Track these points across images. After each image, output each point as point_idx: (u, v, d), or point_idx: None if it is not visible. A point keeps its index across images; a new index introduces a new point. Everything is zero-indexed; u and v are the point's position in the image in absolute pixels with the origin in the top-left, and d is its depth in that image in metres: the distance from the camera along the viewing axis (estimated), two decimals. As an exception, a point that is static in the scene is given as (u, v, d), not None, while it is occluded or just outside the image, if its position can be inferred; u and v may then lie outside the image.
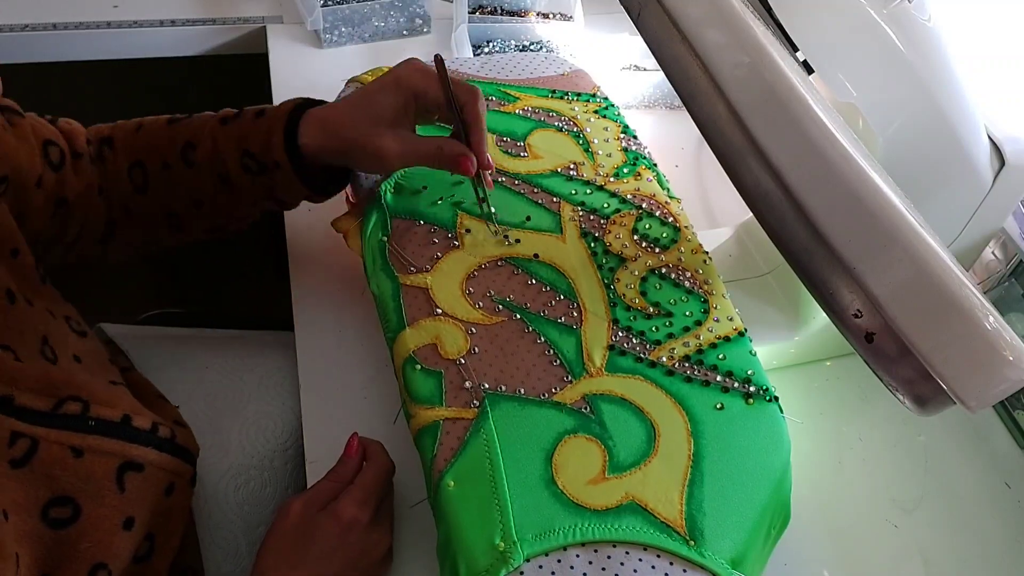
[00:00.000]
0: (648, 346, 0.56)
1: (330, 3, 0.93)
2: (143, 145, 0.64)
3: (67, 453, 0.49)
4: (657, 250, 0.62)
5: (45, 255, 0.62)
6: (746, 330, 0.58)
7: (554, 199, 0.65)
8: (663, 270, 0.61)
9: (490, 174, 0.61)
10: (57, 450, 0.49)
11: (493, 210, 0.61)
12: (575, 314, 0.58)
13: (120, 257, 0.69)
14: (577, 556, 0.47)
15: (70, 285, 0.63)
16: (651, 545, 0.47)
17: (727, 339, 0.57)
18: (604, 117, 0.73)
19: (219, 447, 0.72)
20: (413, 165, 0.61)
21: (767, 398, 0.54)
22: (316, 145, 0.60)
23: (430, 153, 0.59)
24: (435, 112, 0.62)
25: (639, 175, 0.68)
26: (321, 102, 0.63)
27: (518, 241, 0.61)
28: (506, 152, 0.68)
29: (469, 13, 0.94)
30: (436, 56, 0.59)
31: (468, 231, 0.62)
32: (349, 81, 0.73)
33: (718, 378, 0.55)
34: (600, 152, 0.69)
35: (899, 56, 0.53)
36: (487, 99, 0.72)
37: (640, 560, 0.47)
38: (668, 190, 0.68)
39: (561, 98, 0.74)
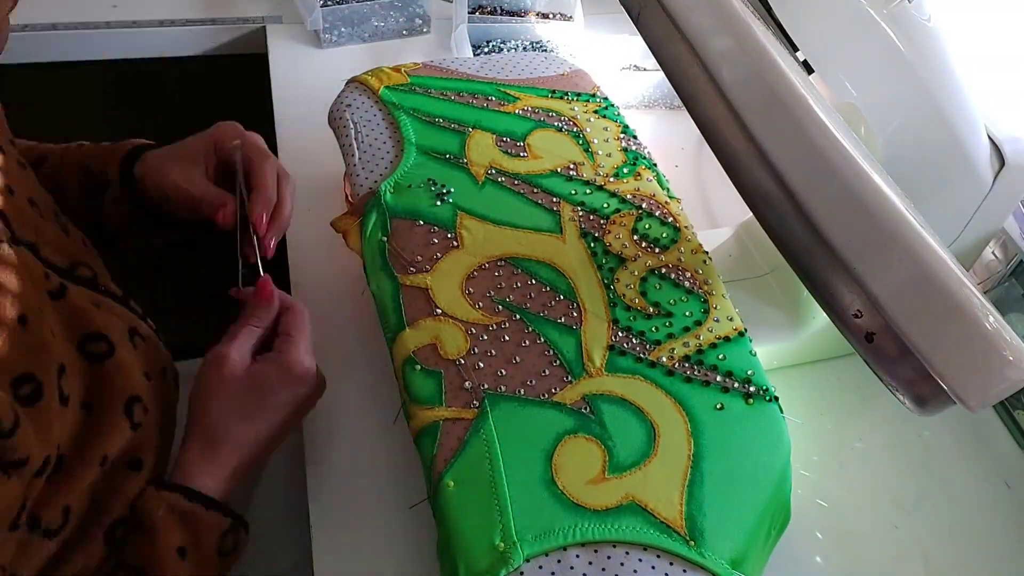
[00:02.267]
0: (648, 346, 0.56)
1: (330, 3, 0.93)
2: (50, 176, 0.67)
3: (89, 303, 0.52)
4: (657, 250, 0.62)
5: None
6: (746, 330, 0.58)
7: (554, 199, 0.65)
8: (663, 270, 0.61)
9: (270, 244, 0.62)
10: (82, 298, 0.51)
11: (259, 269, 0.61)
12: (575, 314, 0.58)
13: (139, 244, 0.72)
14: (577, 556, 0.47)
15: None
16: (651, 545, 0.47)
17: (727, 339, 0.57)
18: (604, 117, 0.73)
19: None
20: (187, 202, 0.63)
21: (767, 398, 0.54)
22: (139, 175, 0.64)
23: (200, 193, 0.62)
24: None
25: (639, 175, 0.68)
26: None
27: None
28: (506, 152, 0.68)
29: (469, 13, 0.94)
30: (235, 143, 0.63)
31: (468, 231, 0.62)
32: (349, 81, 0.73)
33: (718, 378, 0.55)
34: (600, 152, 0.69)
35: (899, 56, 0.53)
36: (487, 99, 0.72)
37: (640, 560, 0.47)
38: (668, 190, 0.68)
39: (561, 98, 0.74)
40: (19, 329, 0.45)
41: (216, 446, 0.53)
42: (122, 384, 0.51)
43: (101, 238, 0.64)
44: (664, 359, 0.56)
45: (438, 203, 0.63)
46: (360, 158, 0.69)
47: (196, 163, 0.64)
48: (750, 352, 0.57)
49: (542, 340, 0.56)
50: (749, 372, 0.55)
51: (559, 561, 0.46)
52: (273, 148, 0.82)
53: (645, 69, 0.94)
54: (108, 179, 0.65)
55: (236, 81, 0.84)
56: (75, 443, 0.48)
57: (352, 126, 0.70)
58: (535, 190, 0.65)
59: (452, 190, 0.64)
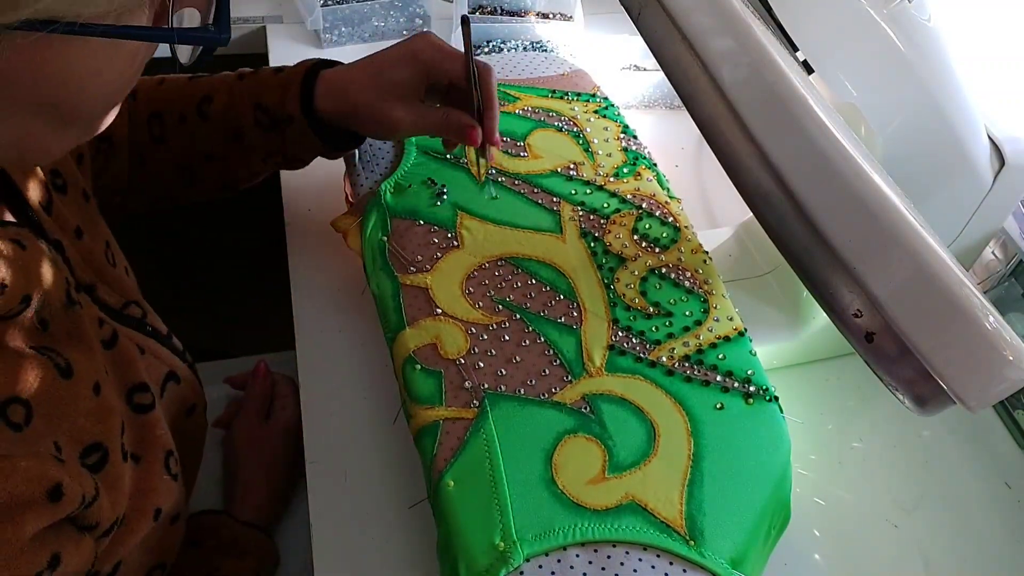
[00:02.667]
0: (648, 346, 0.56)
1: (330, 3, 0.93)
2: (163, 97, 0.66)
3: (135, 349, 0.52)
4: (657, 250, 0.62)
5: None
6: (746, 330, 0.58)
7: (554, 199, 0.65)
8: (663, 270, 0.61)
9: (494, 150, 0.63)
10: (129, 345, 0.52)
11: (491, 180, 0.64)
12: (575, 314, 0.58)
13: (137, 209, 0.71)
14: (577, 556, 0.47)
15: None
16: (651, 545, 0.47)
17: (727, 339, 0.57)
18: (604, 117, 0.73)
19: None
20: (421, 135, 0.63)
21: (767, 398, 0.54)
22: (329, 108, 0.62)
23: (437, 123, 0.61)
24: (445, 85, 0.62)
25: (639, 175, 0.68)
26: (337, 63, 0.65)
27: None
28: (506, 152, 0.68)
29: (469, 13, 0.94)
30: (463, 17, 0.59)
31: (468, 231, 0.62)
32: (349, 81, 0.73)
33: (718, 378, 0.55)
34: (600, 152, 0.69)
35: (899, 56, 0.53)
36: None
37: (640, 560, 0.47)
38: (668, 190, 0.68)
39: (561, 98, 0.74)
40: (93, 397, 0.45)
41: (258, 491, 0.69)
42: (161, 436, 0.52)
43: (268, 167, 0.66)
44: (664, 359, 0.56)
45: (438, 203, 0.63)
46: (360, 158, 0.69)
47: (414, 94, 0.61)
48: (750, 352, 0.57)
49: (542, 340, 0.56)
50: (749, 372, 0.55)
51: (559, 561, 0.46)
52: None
53: (645, 69, 0.94)
54: (289, 114, 0.63)
55: (253, 183, 0.84)
56: (132, 497, 0.48)
57: (352, 126, 0.70)
58: (535, 190, 0.65)
59: (452, 190, 0.64)
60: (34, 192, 0.48)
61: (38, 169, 0.49)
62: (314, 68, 0.63)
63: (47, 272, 0.44)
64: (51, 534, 0.40)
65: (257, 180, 0.69)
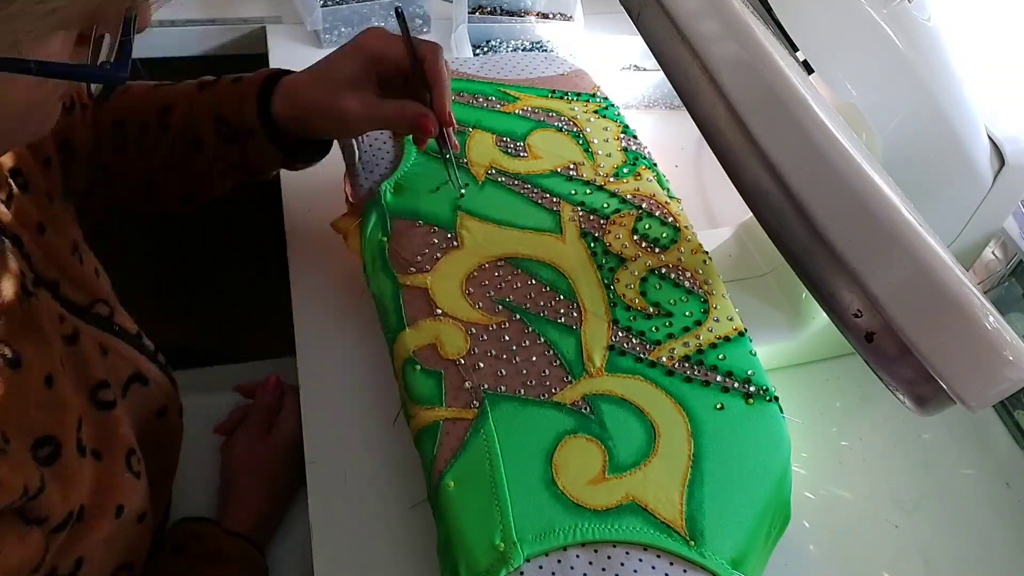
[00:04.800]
0: (648, 346, 0.56)
1: (330, 3, 0.93)
2: (127, 105, 0.65)
3: (98, 349, 0.52)
4: (657, 250, 0.62)
5: None
6: (746, 330, 0.58)
7: (554, 199, 0.65)
8: (663, 270, 0.61)
9: (455, 131, 0.62)
10: (91, 343, 0.52)
11: (457, 172, 0.63)
12: (575, 314, 0.57)
13: (91, 216, 0.69)
14: (577, 556, 0.47)
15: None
16: (651, 545, 0.47)
17: (727, 339, 0.57)
18: (604, 117, 0.73)
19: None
20: (376, 128, 0.63)
21: (767, 398, 0.54)
22: (285, 114, 0.62)
23: (392, 114, 0.60)
24: (398, 76, 0.61)
25: (639, 175, 0.68)
26: (292, 71, 0.64)
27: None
28: (506, 152, 0.68)
29: (469, 13, 0.94)
30: (396, 8, 0.60)
31: (468, 231, 0.62)
32: (349, 81, 0.73)
33: (718, 378, 0.55)
34: (600, 152, 0.69)
35: (899, 56, 0.53)
36: (487, 99, 0.72)
37: (640, 560, 0.47)
38: (668, 190, 0.68)
39: (561, 98, 0.74)
40: (44, 390, 0.45)
41: (251, 503, 0.68)
42: (124, 433, 0.52)
43: (234, 179, 0.65)
44: (664, 359, 0.56)
45: (438, 203, 0.63)
46: (360, 158, 0.69)
47: (364, 86, 0.60)
48: (750, 352, 0.57)
49: (542, 340, 0.56)
50: (749, 372, 0.55)
51: (559, 561, 0.46)
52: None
53: (645, 69, 0.94)
54: (249, 127, 0.62)
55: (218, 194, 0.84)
56: (93, 494, 0.48)
57: (352, 126, 0.70)
58: (535, 190, 0.65)
59: (452, 190, 0.64)
60: None
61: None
62: (273, 77, 0.63)
63: (2, 263, 0.45)
64: None
65: (217, 194, 0.69)
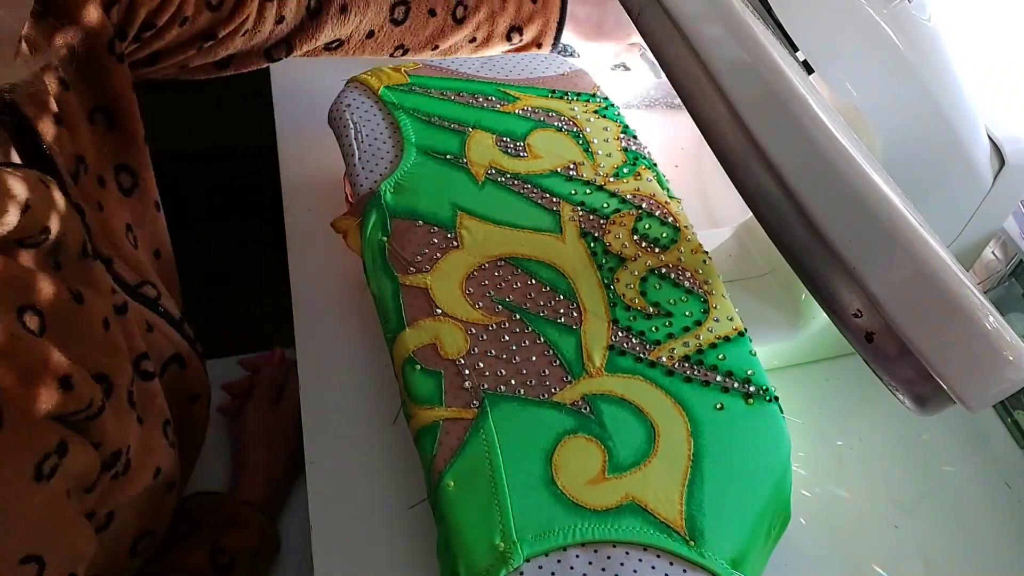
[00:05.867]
0: (648, 346, 0.56)
1: (330, 3, 0.93)
2: None
3: (143, 324, 0.55)
4: (657, 250, 0.62)
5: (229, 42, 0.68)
6: (746, 330, 0.58)
7: (554, 199, 0.65)
8: (663, 270, 0.61)
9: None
10: (138, 317, 0.54)
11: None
12: (575, 314, 0.58)
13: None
14: (577, 556, 0.47)
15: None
16: (651, 545, 0.47)
17: (727, 339, 0.57)
18: (604, 117, 0.73)
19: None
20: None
21: (767, 398, 0.54)
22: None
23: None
24: None
25: (639, 175, 0.68)
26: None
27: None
28: (506, 152, 0.68)
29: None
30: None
31: (468, 231, 0.62)
32: (349, 81, 0.73)
33: (718, 378, 0.55)
34: (600, 152, 0.69)
35: (899, 56, 0.53)
36: (487, 99, 0.72)
37: (640, 560, 0.47)
38: (668, 190, 0.68)
39: (561, 98, 0.74)
40: (103, 331, 0.47)
41: (261, 475, 0.71)
42: (160, 404, 0.54)
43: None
44: (664, 359, 0.56)
45: (438, 203, 0.63)
46: (360, 158, 0.69)
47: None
48: (750, 352, 0.57)
49: (542, 340, 0.56)
50: (749, 372, 0.55)
51: (559, 561, 0.46)
52: (273, 148, 0.82)
53: (627, 68, 0.94)
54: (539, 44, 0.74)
55: (236, 81, 0.84)
56: (136, 453, 0.50)
57: (352, 126, 0.70)
58: (535, 190, 0.65)
59: (452, 190, 0.64)
60: (63, 164, 0.51)
61: (66, 150, 0.52)
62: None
63: (69, 217, 0.47)
64: (60, 425, 0.42)
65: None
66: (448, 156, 0.67)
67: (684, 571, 0.47)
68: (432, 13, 0.72)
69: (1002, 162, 0.58)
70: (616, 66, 0.94)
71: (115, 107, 0.57)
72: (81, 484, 0.45)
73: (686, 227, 0.64)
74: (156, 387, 0.53)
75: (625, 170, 0.68)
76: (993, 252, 0.72)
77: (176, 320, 0.59)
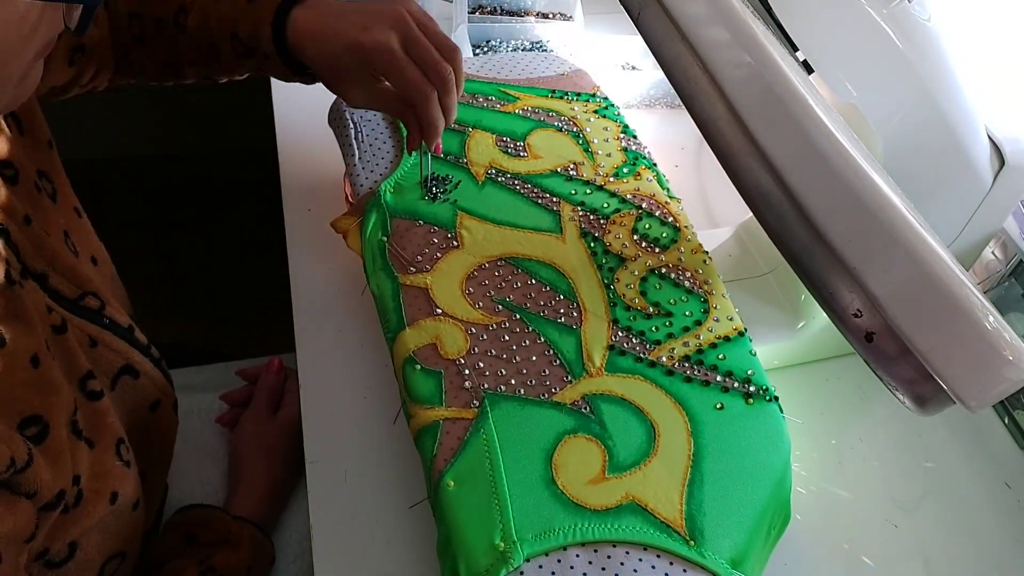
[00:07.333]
0: (648, 346, 0.56)
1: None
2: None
3: (86, 340, 0.53)
4: (657, 250, 0.62)
5: (62, 95, 0.67)
6: (746, 330, 0.58)
7: (554, 199, 0.65)
8: (663, 270, 0.61)
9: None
10: (79, 334, 0.52)
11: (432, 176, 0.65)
12: (575, 314, 0.58)
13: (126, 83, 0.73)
14: (577, 556, 0.47)
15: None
16: (651, 545, 0.47)
17: (727, 339, 0.57)
18: (604, 117, 0.73)
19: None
20: (387, 71, 0.61)
21: (767, 398, 0.54)
22: (299, 48, 0.63)
23: (392, 109, 0.63)
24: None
25: (639, 175, 0.68)
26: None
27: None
28: (506, 152, 0.68)
29: (469, 13, 0.94)
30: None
31: (468, 231, 0.62)
32: (349, 81, 0.73)
33: (718, 378, 0.55)
34: (600, 152, 0.69)
35: (899, 56, 0.53)
36: (487, 99, 0.72)
37: (640, 560, 0.47)
38: (668, 190, 0.68)
39: (561, 98, 0.74)
40: (31, 369, 0.46)
41: (259, 486, 0.69)
42: (112, 423, 0.52)
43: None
44: (664, 359, 0.56)
45: (438, 203, 0.63)
46: (360, 158, 0.69)
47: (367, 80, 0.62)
48: (750, 352, 0.57)
49: (542, 340, 0.56)
50: (749, 372, 0.55)
51: (559, 561, 0.46)
52: (273, 148, 0.82)
53: (637, 68, 0.94)
54: (264, 52, 0.64)
55: (236, 81, 0.84)
56: (89, 479, 0.49)
57: (352, 126, 0.70)
58: (535, 190, 0.65)
59: (451, 190, 0.64)
60: None
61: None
62: (284, 5, 0.63)
63: None
64: None
65: (236, 77, 0.71)
66: (448, 156, 0.67)
67: (684, 571, 0.47)
68: (160, 24, 0.67)
69: (1002, 162, 0.58)
70: (625, 66, 0.94)
71: (20, 110, 0.55)
72: (17, 540, 0.43)
73: (686, 227, 0.64)
74: (106, 405, 0.52)
75: (625, 170, 0.68)
76: (993, 252, 0.72)
77: (124, 329, 0.57)
